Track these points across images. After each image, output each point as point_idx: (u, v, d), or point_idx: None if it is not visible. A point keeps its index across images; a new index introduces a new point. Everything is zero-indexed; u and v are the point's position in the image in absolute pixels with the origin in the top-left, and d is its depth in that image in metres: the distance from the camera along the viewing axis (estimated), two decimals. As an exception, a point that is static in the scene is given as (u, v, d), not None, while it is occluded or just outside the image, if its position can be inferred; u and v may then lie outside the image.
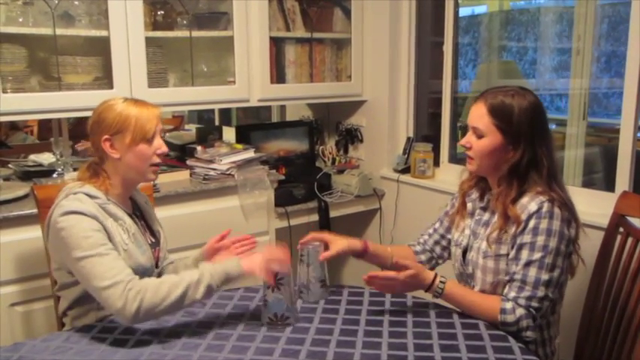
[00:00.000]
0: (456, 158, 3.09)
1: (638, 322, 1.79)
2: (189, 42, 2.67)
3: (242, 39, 2.74)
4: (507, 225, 1.66)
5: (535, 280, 1.60)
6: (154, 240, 1.84)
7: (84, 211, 1.56)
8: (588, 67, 2.54)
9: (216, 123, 4.29)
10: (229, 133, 3.25)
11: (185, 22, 2.65)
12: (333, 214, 3.03)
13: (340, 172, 3.20)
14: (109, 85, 2.46)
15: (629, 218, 1.98)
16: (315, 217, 2.99)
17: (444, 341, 1.52)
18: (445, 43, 2.96)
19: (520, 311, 1.61)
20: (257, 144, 3.03)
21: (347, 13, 3.14)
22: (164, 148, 1.72)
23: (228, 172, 2.65)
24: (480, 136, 1.67)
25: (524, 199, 1.64)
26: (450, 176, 2.99)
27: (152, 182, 2.02)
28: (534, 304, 1.60)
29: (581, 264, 1.74)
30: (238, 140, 3.07)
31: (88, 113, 2.56)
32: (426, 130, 3.29)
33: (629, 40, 2.18)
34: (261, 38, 2.79)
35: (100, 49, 2.45)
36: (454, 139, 3.09)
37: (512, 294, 1.62)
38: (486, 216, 1.76)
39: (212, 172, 2.64)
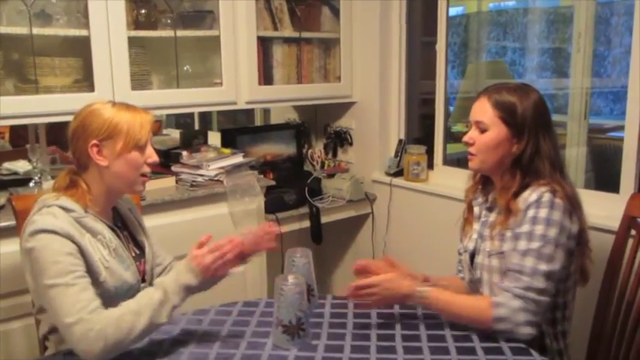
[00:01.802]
0: (450, 160, 3.02)
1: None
2: (172, 42, 2.54)
3: (229, 38, 2.62)
4: (509, 219, 1.58)
5: (532, 270, 1.50)
6: (138, 252, 1.70)
7: (57, 230, 1.41)
8: (589, 66, 2.49)
9: (196, 127, 4.15)
10: (214, 138, 3.12)
11: (169, 21, 2.52)
12: (324, 219, 2.92)
13: (330, 176, 3.10)
14: (90, 87, 2.31)
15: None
16: (306, 224, 2.88)
17: (464, 356, 1.43)
18: (438, 42, 2.88)
19: (516, 303, 1.49)
20: (243, 148, 2.91)
21: (335, 12, 3.05)
22: (155, 158, 1.60)
23: (216, 178, 2.53)
24: (483, 131, 1.63)
25: (526, 192, 1.58)
26: (444, 179, 2.93)
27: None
28: (531, 294, 1.50)
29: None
30: (224, 144, 2.95)
31: (68, 118, 2.41)
32: (417, 132, 3.21)
33: (633, 40, 2.13)
34: (248, 38, 2.68)
35: (80, 49, 2.31)
36: (448, 140, 3.02)
37: (507, 283, 1.53)
38: (492, 216, 1.69)
39: (200, 179, 2.51)
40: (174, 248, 2.18)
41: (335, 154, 3.30)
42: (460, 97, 3.57)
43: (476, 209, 1.76)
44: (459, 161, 3.36)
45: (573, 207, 1.57)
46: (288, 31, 2.90)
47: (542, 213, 1.52)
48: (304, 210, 2.87)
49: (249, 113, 4.03)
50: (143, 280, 1.66)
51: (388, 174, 3.05)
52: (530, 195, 1.56)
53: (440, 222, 2.81)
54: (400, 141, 3.07)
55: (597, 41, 3.95)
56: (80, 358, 1.37)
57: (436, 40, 2.95)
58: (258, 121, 3.96)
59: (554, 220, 1.52)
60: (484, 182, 1.75)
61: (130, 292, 1.58)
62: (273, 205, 2.73)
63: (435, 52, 2.99)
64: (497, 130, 1.61)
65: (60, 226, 1.42)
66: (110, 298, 1.49)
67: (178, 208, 2.42)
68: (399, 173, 3.02)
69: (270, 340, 1.50)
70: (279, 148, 3.24)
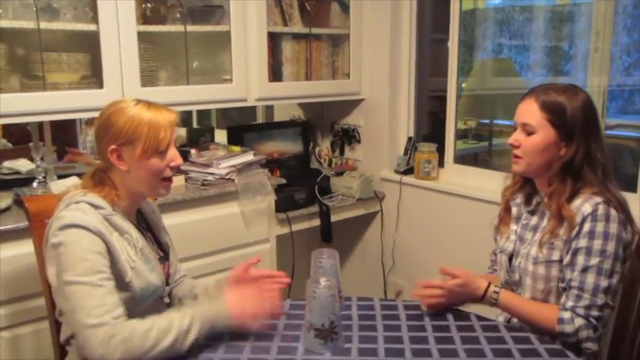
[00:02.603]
0: (461, 158, 2.99)
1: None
2: (180, 37, 2.48)
3: (239, 34, 2.56)
4: (561, 226, 1.55)
5: (594, 287, 1.49)
6: (162, 254, 1.65)
7: (87, 226, 1.37)
8: (607, 64, 2.47)
9: (194, 125, 4.07)
10: (220, 135, 3.06)
11: (178, 15, 2.46)
12: (333, 218, 2.88)
13: (339, 174, 3.05)
14: (99, 84, 2.25)
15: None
16: (316, 222, 2.84)
17: (501, 358, 1.39)
18: (450, 39, 2.85)
19: (579, 321, 1.50)
20: (250, 146, 2.86)
21: (344, 8, 2.99)
22: (178, 160, 1.53)
23: (227, 177, 2.47)
24: (530, 133, 1.58)
25: (578, 201, 1.54)
26: (455, 177, 2.89)
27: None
28: (594, 312, 1.50)
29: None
30: (230, 142, 2.89)
31: (75, 115, 2.39)
32: (426, 129, 3.17)
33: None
34: (259, 33, 2.62)
35: (88, 44, 2.25)
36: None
37: (570, 303, 1.52)
38: (534, 220, 1.65)
39: (210, 177, 2.45)
40: (187, 248, 2.14)
41: (342, 152, 3.25)
42: (465, 94, 3.53)
43: (514, 210, 1.72)
44: (464, 158, 3.34)
45: (626, 216, 1.55)
46: (298, 27, 2.84)
47: (600, 227, 1.50)
48: (314, 209, 2.82)
49: (250, 110, 3.96)
50: (167, 283, 1.61)
51: (398, 172, 3.01)
52: (583, 205, 1.53)
53: (451, 220, 2.78)
54: (410, 139, 3.03)
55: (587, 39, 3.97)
56: None
57: (445, 37, 2.92)
58: (261, 119, 3.90)
59: (612, 233, 1.50)
60: (524, 183, 1.71)
61: (155, 294, 1.54)
62: (284, 203, 2.68)
63: (444, 50, 2.95)
64: (545, 133, 1.56)
65: (90, 222, 1.37)
66: (135, 299, 1.45)
67: (189, 208, 2.37)
68: (408, 171, 2.98)
69: (302, 344, 1.45)
70: (286, 146, 3.19)
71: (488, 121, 3.80)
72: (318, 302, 1.40)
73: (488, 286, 1.57)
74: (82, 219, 1.37)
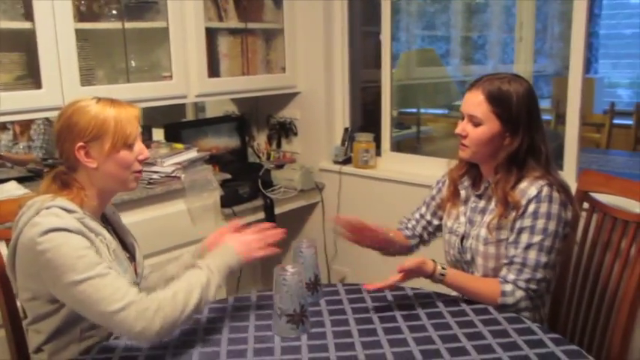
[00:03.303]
0: (396, 146, 3.11)
1: (616, 289, 1.90)
2: (116, 35, 2.43)
3: (177, 30, 2.54)
4: (507, 211, 1.66)
5: (535, 262, 1.62)
6: (128, 255, 1.64)
7: (68, 227, 1.35)
8: (531, 53, 2.66)
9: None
10: (156, 133, 3.01)
11: (114, 12, 2.40)
12: (277, 210, 2.92)
13: (279, 167, 3.09)
14: (36, 84, 2.16)
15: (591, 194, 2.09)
16: (261, 215, 2.86)
17: (466, 329, 1.50)
18: (382, 31, 2.94)
19: (519, 293, 1.62)
20: (189, 142, 2.84)
21: (276, 2, 3.02)
22: (146, 153, 1.54)
23: (173, 175, 2.45)
24: (476, 124, 1.66)
25: (523, 184, 1.65)
26: (392, 164, 3.01)
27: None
28: (533, 285, 1.63)
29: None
30: (167, 139, 2.87)
31: (11, 117, 2.29)
32: (361, 120, 3.27)
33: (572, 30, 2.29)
34: (196, 29, 2.61)
35: (23, 43, 2.16)
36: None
37: (512, 276, 1.64)
38: (482, 203, 1.76)
39: (155, 176, 2.43)
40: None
41: (279, 145, 3.29)
42: (393, 85, 3.67)
43: (462, 192, 1.82)
44: (399, 144, 3.48)
45: (567, 197, 1.67)
46: (234, 22, 2.85)
47: (543, 207, 1.61)
48: (258, 202, 2.85)
49: (180, 107, 3.92)
50: (137, 283, 1.60)
51: (336, 162, 3.09)
52: (528, 188, 1.64)
53: (391, 206, 2.87)
54: (346, 129, 3.11)
55: (500, 29, 4.24)
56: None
57: (375, 29, 3.02)
58: (191, 115, 3.86)
59: (553, 213, 1.61)
60: (470, 166, 1.81)
61: None
62: (229, 198, 2.69)
63: (375, 41, 3.06)
64: (490, 125, 1.64)
65: (69, 224, 1.36)
66: None
67: (136, 207, 2.33)
68: (347, 161, 3.07)
69: (274, 331, 1.49)
70: (222, 141, 3.19)
71: (415, 110, 3.97)
72: (288, 289, 1.45)
73: (435, 265, 1.64)
74: (60, 222, 1.35)
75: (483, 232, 1.71)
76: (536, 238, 1.62)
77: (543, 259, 1.62)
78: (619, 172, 3.33)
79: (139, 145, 1.52)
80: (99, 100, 1.48)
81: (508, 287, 1.63)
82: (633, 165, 4.11)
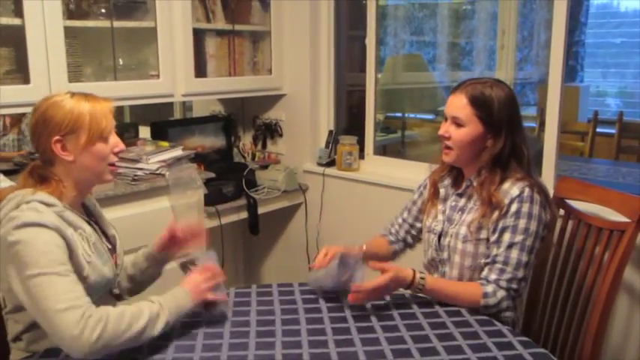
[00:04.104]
0: (381, 150, 3.16)
1: (589, 293, 1.95)
2: (104, 33, 2.46)
3: (165, 30, 2.57)
4: (490, 211, 1.71)
5: (517, 261, 1.66)
6: (110, 246, 1.67)
7: (44, 223, 1.37)
8: (513, 60, 2.72)
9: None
10: (143, 131, 3.04)
11: (103, 10, 2.43)
12: (260, 210, 2.96)
13: (263, 167, 3.13)
14: (24, 79, 2.19)
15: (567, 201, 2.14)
16: (244, 215, 2.91)
17: (437, 330, 1.54)
18: (368, 35, 2.99)
19: (501, 293, 1.66)
20: (175, 141, 2.88)
21: (264, 5, 3.06)
22: (121, 146, 1.58)
23: (157, 172, 2.48)
24: (459, 126, 1.71)
25: (506, 185, 1.70)
26: (375, 167, 3.06)
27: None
28: (514, 285, 1.67)
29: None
30: (154, 137, 2.90)
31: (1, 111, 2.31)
32: (345, 123, 3.31)
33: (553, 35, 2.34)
34: (184, 29, 2.64)
35: (12, 38, 2.18)
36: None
37: (493, 276, 1.67)
38: (462, 202, 1.80)
39: (140, 172, 2.46)
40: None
41: (264, 146, 3.33)
42: (379, 89, 3.72)
43: (442, 191, 1.87)
44: (385, 148, 3.53)
45: (546, 199, 1.72)
46: (221, 23, 2.88)
47: (525, 207, 1.66)
48: (242, 202, 2.89)
49: (168, 106, 3.94)
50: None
51: (320, 164, 3.13)
52: (510, 188, 1.69)
53: (373, 209, 2.94)
54: (330, 132, 3.16)
55: (486, 36, 4.31)
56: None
57: (361, 33, 3.07)
58: (178, 114, 3.89)
59: (535, 214, 1.67)
60: (451, 167, 1.85)
61: (106, 286, 1.59)
62: (213, 197, 2.73)
63: (360, 46, 3.10)
64: (473, 127, 1.70)
65: (47, 219, 1.38)
66: (89, 292, 1.46)
67: (120, 203, 2.36)
68: (330, 163, 3.11)
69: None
70: (208, 141, 3.22)
71: (400, 114, 4.02)
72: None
73: (414, 274, 1.66)
74: (38, 217, 1.37)
75: (463, 229, 1.75)
76: (518, 238, 1.66)
77: (524, 258, 1.66)
78: (600, 180, 3.40)
79: (114, 138, 1.55)
80: (73, 94, 1.51)
81: (490, 288, 1.66)
82: (614, 173, 4.18)
